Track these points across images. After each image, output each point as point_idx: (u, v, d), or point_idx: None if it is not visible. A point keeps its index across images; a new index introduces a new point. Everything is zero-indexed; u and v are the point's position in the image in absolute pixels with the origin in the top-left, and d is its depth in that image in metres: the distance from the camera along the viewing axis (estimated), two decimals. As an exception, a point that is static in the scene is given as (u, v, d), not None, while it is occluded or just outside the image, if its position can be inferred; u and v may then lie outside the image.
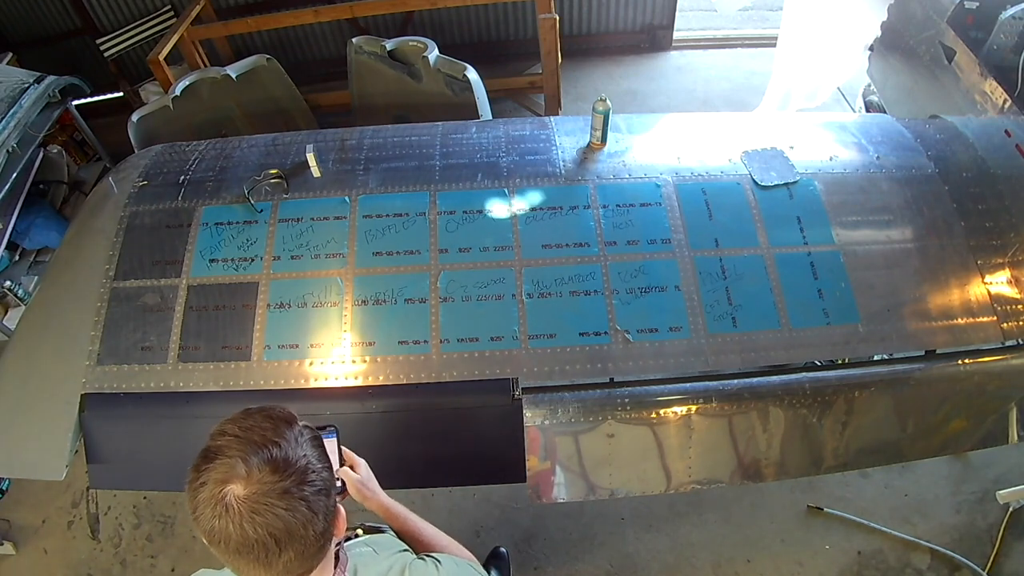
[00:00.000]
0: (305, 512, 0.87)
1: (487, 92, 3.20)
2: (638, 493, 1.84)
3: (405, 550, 1.20)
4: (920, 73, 2.69)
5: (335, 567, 1.01)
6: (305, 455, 0.91)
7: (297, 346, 1.84)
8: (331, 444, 1.12)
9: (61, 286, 2.06)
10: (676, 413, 1.79)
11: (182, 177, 2.16)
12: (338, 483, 1.13)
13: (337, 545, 1.03)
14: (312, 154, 2.05)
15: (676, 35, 5.30)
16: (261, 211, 2.02)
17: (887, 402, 1.85)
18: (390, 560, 1.13)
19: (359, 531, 1.27)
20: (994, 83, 2.22)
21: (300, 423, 0.97)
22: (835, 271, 1.90)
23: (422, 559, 1.15)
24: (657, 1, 5.06)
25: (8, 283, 3.53)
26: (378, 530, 1.31)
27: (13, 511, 3.01)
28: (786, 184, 2.04)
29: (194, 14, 4.15)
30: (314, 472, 0.91)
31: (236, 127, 3.62)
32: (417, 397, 1.80)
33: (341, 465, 1.24)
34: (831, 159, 2.13)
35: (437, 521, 1.34)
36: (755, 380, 1.82)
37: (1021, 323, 1.88)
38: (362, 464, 1.30)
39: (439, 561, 1.14)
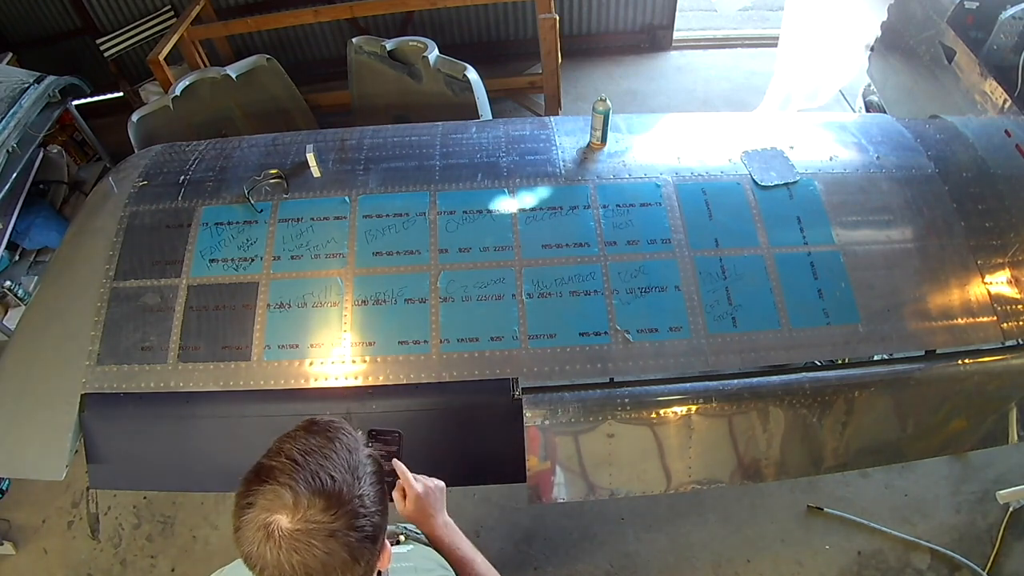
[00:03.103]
0: (346, 557, 0.83)
1: (487, 92, 3.20)
2: (638, 493, 1.84)
3: (446, 570, 1.17)
4: (920, 73, 2.69)
5: None
6: (361, 495, 0.86)
7: (297, 346, 1.84)
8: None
9: (61, 286, 2.06)
10: (676, 413, 1.79)
11: (182, 177, 2.16)
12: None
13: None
14: (312, 154, 2.05)
15: (676, 35, 5.30)
16: (261, 211, 2.02)
17: (887, 402, 1.85)
18: None
19: (401, 537, 1.24)
20: (994, 83, 2.22)
21: (366, 451, 0.92)
22: (835, 271, 1.90)
23: None
24: (657, 1, 5.06)
25: (8, 283, 3.52)
26: (421, 538, 1.26)
27: (13, 511, 3.01)
28: (786, 184, 2.04)
29: (194, 14, 4.15)
30: (366, 516, 0.85)
31: (236, 127, 3.62)
32: (417, 397, 1.80)
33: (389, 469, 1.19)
34: (831, 159, 2.13)
35: (436, 521, 1.33)
36: (755, 380, 1.82)
37: (1021, 323, 1.88)
38: (429, 489, 1.21)
39: None
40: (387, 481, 0.97)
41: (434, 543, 1.24)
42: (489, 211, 2.00)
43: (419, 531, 1.31)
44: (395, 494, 1.17)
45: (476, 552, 1.24)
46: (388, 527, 0.95)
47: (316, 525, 0.82)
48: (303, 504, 0.82)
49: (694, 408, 1.78)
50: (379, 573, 0.99)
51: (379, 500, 0.90)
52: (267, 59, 3.55)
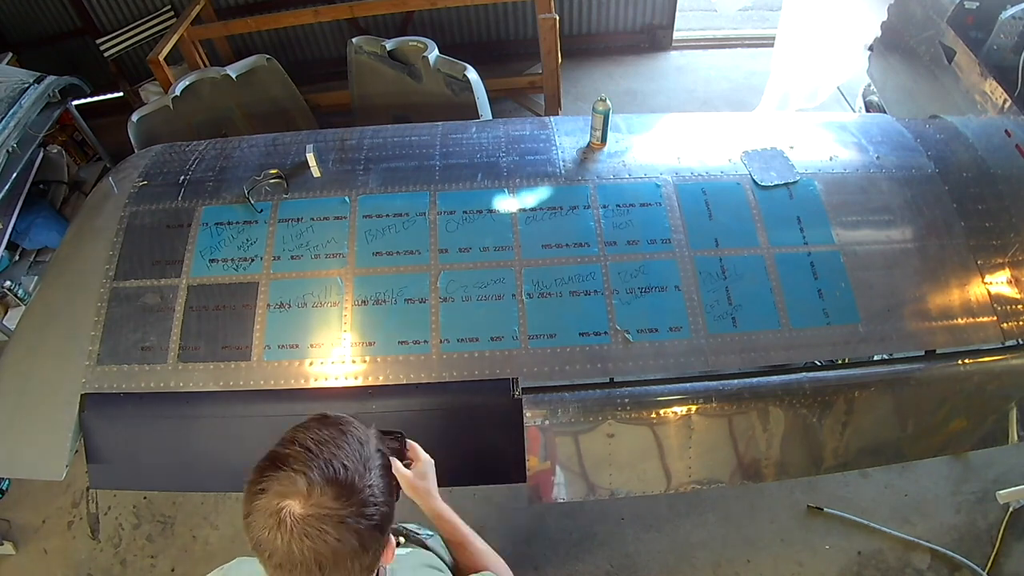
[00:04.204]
0: (356, 545, 0.85)
1: (487, 92, 3.20)
2: (638, 493, 1.84)
3: (441, 571, 1.18)
4: (920, 73, 2.69)
5: None
6: (371, 485, 0.88)
7: (297, 346, 1.84)
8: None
9: (61, 286, 2.06)
10: (676, 413, 1.79)
11: (182, 177, 2.16)
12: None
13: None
14: (312, 154, 2.05)
15: (676, 35, 5.30)
16: (261, 211, 2.02)
17: (887, 402, 1.85)
18: None
19: (401, 539, 1.25)
20: (994, 83, 2.22)
21: (376, 444, 0.95)
22: (835, 271, 1.90)
23: None
24: (657, 1, 5.06)
25: (8, 283, 3.52)
26: (422, 544, 1.28)
27: (13, 511, 3.01)
28: (786, 184, 2.04)
29: (194, 14, 4.16)
30: (375, 505, 0.88)
31: (236, 127, 3.62)
32: (417, 397, 1.80)
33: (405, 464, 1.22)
34: (831, 159, 2.13)
35: (437, 521, 1.33)
36: (755, 380, 1.82)
37: (1021, 323, 1.88)
38: (426, 461, 1.27)
39: None
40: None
41: (438, 519, 1.26)
42: (489, 211, 2.00)
43: (419, 531, 1.32)
44: (399, 471, 1.15)
45: (473, 533, 1.28)
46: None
47: (328, 511, 0.83)
48: (316, 491, 0.84)
49: (694, 408, 1.78)
50: (379, 570, 0.99)
51: (387, 491, 0.92)
52: (267, 59, 3.55)
